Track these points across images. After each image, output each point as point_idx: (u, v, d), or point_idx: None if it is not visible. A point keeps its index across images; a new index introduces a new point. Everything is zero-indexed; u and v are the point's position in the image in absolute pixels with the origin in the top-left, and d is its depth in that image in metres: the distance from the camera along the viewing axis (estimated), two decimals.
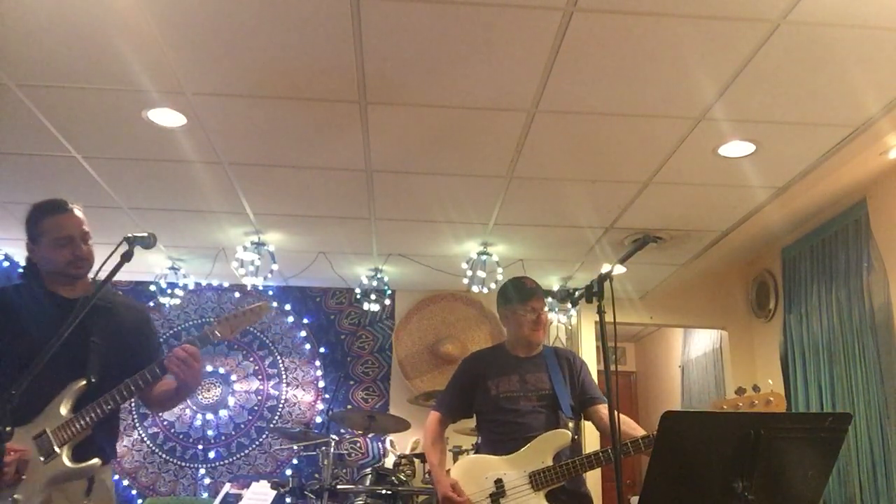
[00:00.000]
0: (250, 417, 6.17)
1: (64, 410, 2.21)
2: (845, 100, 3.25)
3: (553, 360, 3.00)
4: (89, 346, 2.28)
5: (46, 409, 2.20)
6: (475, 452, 3.11)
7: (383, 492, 4.33)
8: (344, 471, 5.87)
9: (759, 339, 5.98)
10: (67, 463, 2.18)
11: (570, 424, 2.85)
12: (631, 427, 2.79)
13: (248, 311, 2.36)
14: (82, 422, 2.20)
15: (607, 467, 2.75)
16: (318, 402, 6.24)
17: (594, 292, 2.24)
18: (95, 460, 2.23)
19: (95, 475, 2.27)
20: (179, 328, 6.29)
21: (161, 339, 6.36)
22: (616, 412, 2.22)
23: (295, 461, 6.07)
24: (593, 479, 2.91)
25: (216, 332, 2.32)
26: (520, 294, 2.99)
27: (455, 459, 4.75)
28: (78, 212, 2.36)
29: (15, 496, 2.09)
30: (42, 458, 2.16)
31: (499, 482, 2.76)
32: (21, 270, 2.41)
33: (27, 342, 2.17)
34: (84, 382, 2.26)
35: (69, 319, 2.02)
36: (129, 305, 2.55)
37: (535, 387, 2.92)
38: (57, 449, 2.17)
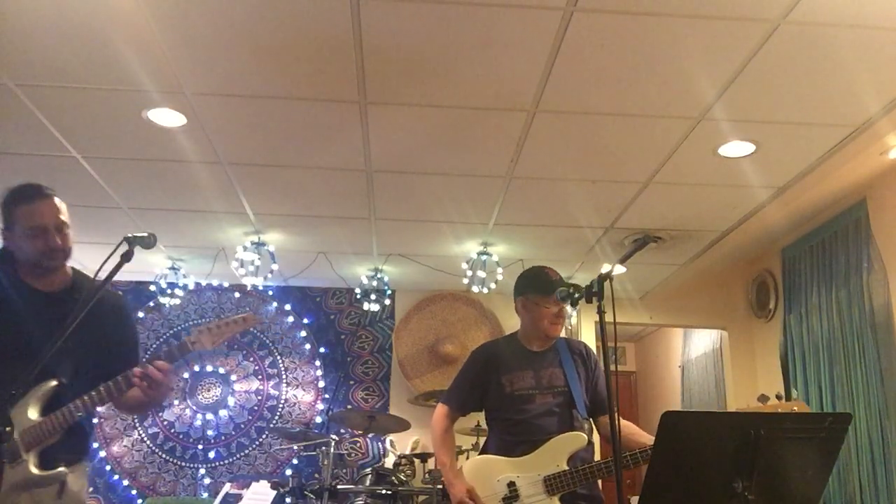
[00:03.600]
0: (250, 417, 6.17)
1: (33, 414, 2.09)
2: (845, 100, 3.25)
3: (567, 354, 2.86)
4: (63, 345, 2.03)
5: (13, 410, 2.01)
6: (482, 451, 2.96)
7: (383, 492, 4.33)
8: (344, 471, 5.87)
9: (759, 339, 5.98)
10: (34, 470, 2.07)
11: (586, 426, 2.76)
12: (640, 434, 2.72)
13: (233, 321, 2.23)
14: (50, 427, 2.08)
15: None
16: (318, 402, 6.24)
17: (594, 292, 2.23)
18: (62, 469, 2.11)
19: (68, 477, 2.15)
20: (179, 328, 6.29)
21: (161, 339, 6.32)
22: (617, 416, 2.21)
23: (295, 461, 6.07)
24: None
25: (196, 342, 2.18)
26: (543, 285, 2.79)
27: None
28: (56, 200, 2.20)
29: None
30: (8, 463, 2.02)
31: (512, 485, 2.65)
32: None
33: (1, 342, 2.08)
34: (55, 384, 2.13)
35: (68, 321, 1.94)
36: (109, 301, 2.31)
37: (550, 383, 2.79)
38: (24, 455, 2.05)
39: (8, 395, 1.81)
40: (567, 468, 2.63)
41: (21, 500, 2.07)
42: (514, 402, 2.78)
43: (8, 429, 1.79)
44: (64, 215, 2.20)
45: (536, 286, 2.83)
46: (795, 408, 2.35)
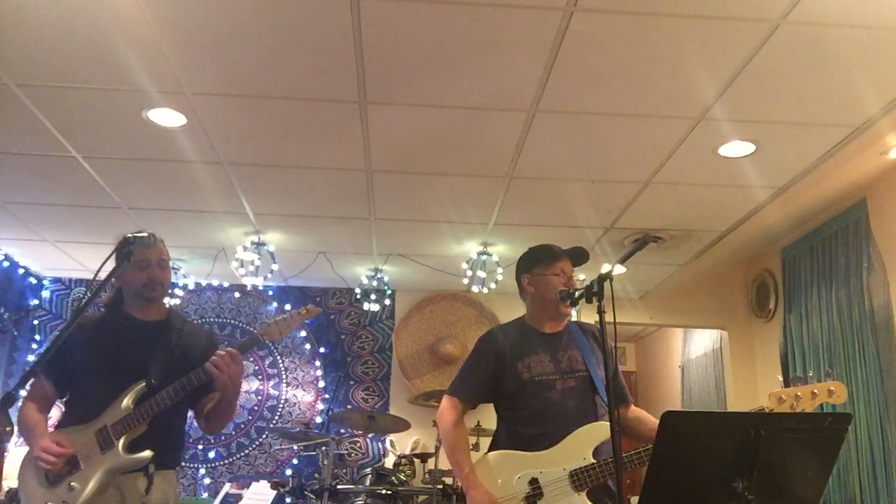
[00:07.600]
0: (250, 417, 6.17)
1: (125, 403, 2.42)
2: (845, 100, 3.25)
3: (581, 337, 2.68)
4: (153, 357, 2.50)
5: (108, 407, 2.42)
6: (491, 448, 2.67)
7: (383, 492, 4.33)
8: (344, 471, 5.88)
9: (759, 339, 5.98)
10: (122, 453, 2.38)
11: None
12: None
13: (297, 313, 2.50)
14: (138, 416, 2.39)
15: None
16: (318, 402, 6.25)
17: (594, 292, 2.23)
18: (147, 452, 2.39)
19: (156, 476, 2.42)
20: None
21: None
22: (617, 412, 2.21)
23: (295, 461, 6.07)
24: None
25: (265, 334, 2.48)
26: (547, 255, 2.66)
27: None
28: (161, 244, 2.59)
29: (71, 483, 2.34)
30: (101, 450, 2.37)
31: (534, 482, 2.44)
32: (107, 299, 2.68)
33: (102, 360, 2.47)
34: (144, 384, 2.44)
35: (68, 318, 2.09)
36: (198, 330, 2.76)
37: (570, 367, 2.59)
38: (114, 440, 2.38)
39: (9, 396, 1.92)
40: (594, 461, 2.44)
41: (111, 491, 2.36)
42: (535, 388, 2.55)
43: (8, 428, 1.90)
44: (165, 255, 2.61)
45: (541, 258, 2.69)
46: (832, 388, 2.38)
